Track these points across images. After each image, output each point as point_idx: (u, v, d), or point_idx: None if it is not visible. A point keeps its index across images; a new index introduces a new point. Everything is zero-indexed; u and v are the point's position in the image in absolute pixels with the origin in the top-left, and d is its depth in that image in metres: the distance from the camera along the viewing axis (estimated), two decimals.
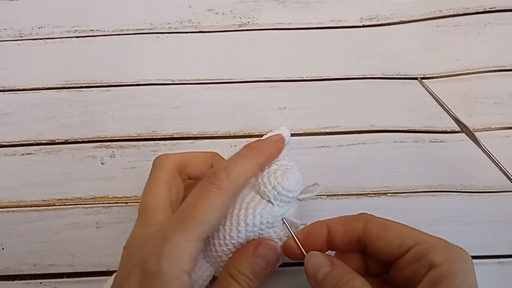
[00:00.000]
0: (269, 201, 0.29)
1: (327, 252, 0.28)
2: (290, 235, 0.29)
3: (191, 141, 0.38)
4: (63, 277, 0.34)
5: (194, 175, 0.30)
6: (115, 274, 0.27)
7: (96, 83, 0.41)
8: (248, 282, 0.26)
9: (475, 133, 0.38)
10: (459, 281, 0.23)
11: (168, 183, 0.28)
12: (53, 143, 0.39)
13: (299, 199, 0.31)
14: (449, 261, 0.24)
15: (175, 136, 0.39)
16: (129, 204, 0.36)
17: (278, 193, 0.28)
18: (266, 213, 0.28)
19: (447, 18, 0.44)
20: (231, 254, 0.28)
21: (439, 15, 0.44)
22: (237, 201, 0.29)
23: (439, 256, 0.24)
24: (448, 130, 0.39)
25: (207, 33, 0.44)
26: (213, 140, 0.38)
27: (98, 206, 0.36)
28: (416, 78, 0.41)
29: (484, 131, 0.39)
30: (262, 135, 0.38)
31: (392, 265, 0.27)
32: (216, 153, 0.32)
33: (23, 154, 0.38)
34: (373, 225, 0.27)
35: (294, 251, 0.28)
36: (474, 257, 0.34)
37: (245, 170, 0.28)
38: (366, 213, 0.28)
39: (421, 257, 0.25)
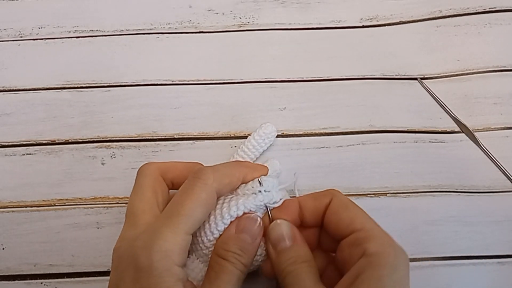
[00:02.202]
0: (253, 193, 0.30)
1: None
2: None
3: (191, 141, 0.38)
4: (63, 277, 0.34)
5: (176, 181, 0.31)
6: None
7: (96, 83, 0.41)
8: (237, 257, 0.27)
9: (475, 133, 0.39)
10: (383, 272, 0.24)
11: (153, 187, 0.29)
12: (53, 143, 0.39)
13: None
14: (381, 253, 0.25)
15: (175, 136, 0.39)
16: None
17: (255, 187, 0.30)
18: (249, 202, 0.29)
19: (447, 18, 0.44)
20: None
21: (439, 15, 0.44)
22: (219, 201, 0.30)
23: (374, 246, 0.25)
24: (448, 130, 0.39)
25: (207, 33, 0.44)
26: (214, 140, 0.38)
27: (98, 207, 0.36)
28: (416, 79, 0.41)
29: (484, 131, 0.39)
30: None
31: (338, 244, 0.28)
32: (199, 163, 0.33)
33: (24, 154, 0.38)
34: (336, 201, 0.28)
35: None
36: (474, 257, 0.34)
37: (231, 173, 0.29)
38: (335, 190, 0.29)
39: (359, 243, 0.26)
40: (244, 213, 0.29)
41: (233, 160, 0.35)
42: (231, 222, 0.29)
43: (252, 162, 0.35)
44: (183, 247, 0.26)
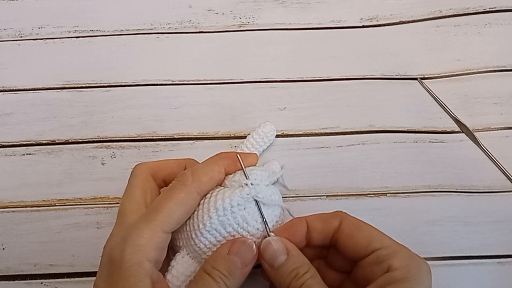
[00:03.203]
0: (240, 185, 0.29)
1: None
2: (265, 217, 0.29)
3: (191, 141, 0.38)
4: (63, 277, 0.34)
5: (168, 179, 0.31)
6: None
7: (96, 83, 0.41)
8: (223, 277, 0.26)
9: (475, 133, 0.39)
10: (410, 285, 0.25)
11: (143, 187, 0.30)
12: (53, 143, 0.39)
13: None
14: (406, 267, 0.26)
15: (175, 136, 0.39)
16: None
17: (241, 179, 0.30)
18: (235, 195, 0.29)
19: (447, 18, 0.44)
20: (210, 244, 0.29)
21: (439, 15, 0.44)
22: (208, 194, 0.30)
23: (398, 262, 0.26)
24: (448, 130, 0.39)
25: (207, 33, 0.44)
26: (213, 140, 0.38)
27: (98, 207, 0.36)
28: (416, 78, 0.41)
29: (484, 131, 0.39)
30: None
31: (356, 263, 0.28)
32: (192, 159, 0.33)
33: (24, 155, 0.38)
34: (347, 223, 0.28)
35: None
36: (474, 257, 0.34)
37: (210, 169, 0.30)
38: (342, 212, 0.29)
39: (382, 261, 0.26)
40: (235, 218, 0.28)
41: None
42: (224, 228, 0.28)
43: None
44: (158, 244, 0.26)
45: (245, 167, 0.30)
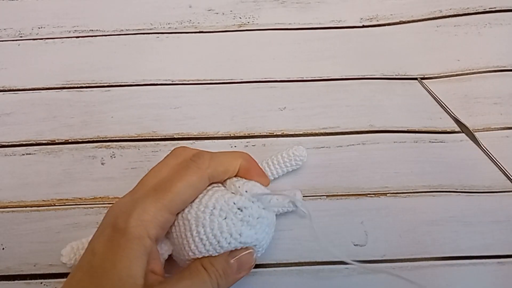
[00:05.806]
0: (233, 192, 0.29)
1: None
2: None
3: (191, 141, 0.38)
4: (63, 277, 0.34)
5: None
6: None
7: (96, 83, 0.41)
8: (217, 276, 0.27)
9: (475, 133, 0.39)
10: None
11: (174, 170, 0.29)
12: (53, 143, 0.39)
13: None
14: None
15: (175, 136, 0.39)
16: None
17: (240, 187, 0.29)
18: (221, 199, 0.28)
19: (447, 18, 0.44)
20: (178, 232, 0.28)
21: (439, 15, 0.44)
22: (209, 186, 0.29)
23: None
24: (448, 130, 0.39)
25: (207, 33, 0.44)
26: (213, 140, 0.38)
27: (98, 206, 0.36)
28: (416, 78, 0.41)
29: (484, 131, 0.39)
30: (262, 136, 0.38)
31: None
32: (246, 154, 0.32)
33: (23, 154, 0.38)
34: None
35: None
36: (474, 257, 0.34)
37: (228, 162, 0.29)
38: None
39: None
40: (212, 220, 0.28)
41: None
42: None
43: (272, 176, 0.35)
44: (160, 222, 0.26)
45: (252, 180, 0.30)
